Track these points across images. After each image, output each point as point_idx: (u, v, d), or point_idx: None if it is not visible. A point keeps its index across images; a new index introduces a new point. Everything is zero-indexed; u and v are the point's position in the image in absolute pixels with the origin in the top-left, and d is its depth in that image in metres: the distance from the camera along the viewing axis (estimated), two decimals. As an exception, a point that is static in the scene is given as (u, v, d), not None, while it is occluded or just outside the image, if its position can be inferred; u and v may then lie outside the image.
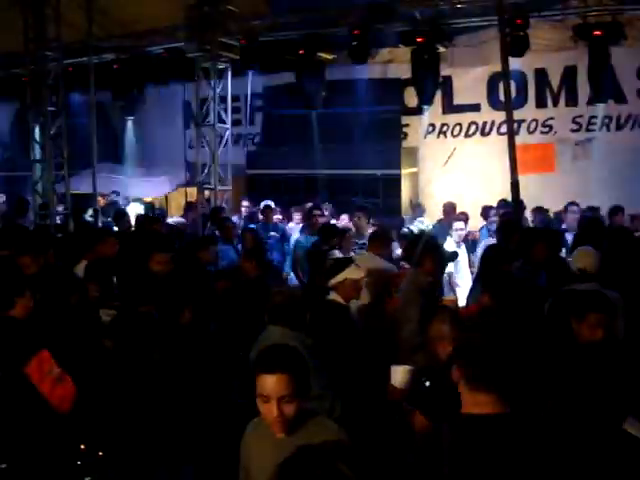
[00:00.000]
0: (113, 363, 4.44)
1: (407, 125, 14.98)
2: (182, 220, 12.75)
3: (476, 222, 11.96)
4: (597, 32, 10.18)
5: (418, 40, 11.31)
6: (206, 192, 13.66)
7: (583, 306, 4.44)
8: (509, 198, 11.56)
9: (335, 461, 2.31)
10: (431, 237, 7.94)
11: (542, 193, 12.50)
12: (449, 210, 11.78)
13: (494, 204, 12.13)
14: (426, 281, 6.29)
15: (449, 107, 14.63)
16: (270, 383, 3.15)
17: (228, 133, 13.76)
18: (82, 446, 4.02)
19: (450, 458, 2.67)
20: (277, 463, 2.64)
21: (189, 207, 14.06)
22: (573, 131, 13.78)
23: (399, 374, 4.49)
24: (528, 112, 13.88)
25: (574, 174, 13.51)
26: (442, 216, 11.91)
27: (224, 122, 13.64)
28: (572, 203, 11.58)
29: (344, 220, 11.40)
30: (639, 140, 13.17)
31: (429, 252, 6.47)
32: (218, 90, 13.40)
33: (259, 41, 12.30)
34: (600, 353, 3.95)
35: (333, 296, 5.70)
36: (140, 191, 15.95)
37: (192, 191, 14.63)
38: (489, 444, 2.62)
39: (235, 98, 14.40)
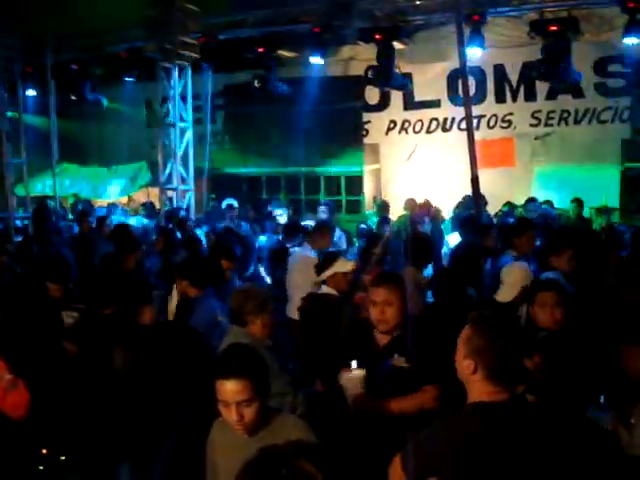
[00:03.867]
0: (77, 366, 4.40)
1: (369, 122, 15.04)
2: (145, 220, 12.66)
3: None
4: (553, 27, 10.32)
5: (377, 37, 11.36)
6: (168, 192, 13.58)
7: (532, 289, 4.61)
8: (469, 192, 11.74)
9: (299, 459, 2.33)
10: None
11: (502, 187, 12.64)
12: (411, 206, 11.83)
13: (456, 199, 12.25)
14: (423, 279, 6.41)
15: (410, 104, 14.72)
16: (228, 388, 3.16)
17: (189, 132, 13.68)
18: (44, 451, 3.98)
19: (478, 444, 2.79)
20: (242, 463, 2.71)
21: (150, 207, 13.98)
22: (532, 126, 13.95)
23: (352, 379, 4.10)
24: (488, 108, 14.03)
25: (533, 168, 13.70)
26: (404, 212, 11.96)
27: (185, 121, 13.56)
28: (531, 199, 11.76)
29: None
30: (597, 134, 13.38)
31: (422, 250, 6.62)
32: (179, 89, 13.31)
33: (219, 39, 12.25)
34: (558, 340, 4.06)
35: (325, 289, 5.89)
36: (103, 192, 15.80)
37: (154, 191, 14.54)
38: (508, 428, 2.82)
39: (196, 97, 14.32)
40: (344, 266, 5.95)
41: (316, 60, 11.92)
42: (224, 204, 12.79)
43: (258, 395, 3.20)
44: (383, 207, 12.05)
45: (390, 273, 5.22)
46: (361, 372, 4.00)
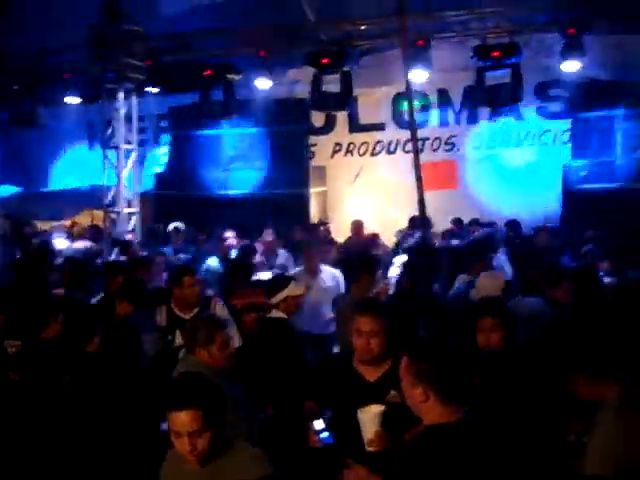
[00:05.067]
0: (20, 395, 4.30)
1: (314, 144, 15.10)
2: (88, 244, 12.42)
3: (384, 238, 12.13)
4: (495, 53, 10.54)
5: (323, 61, 11.44)
6: (112, 215, 13.39)
7: (476, 312, 4.62)
8: (415, 214, 11.86)
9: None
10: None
11: (446, 209, 12.80)
12: (357, 228, 11.88)
13: (402, 221, 12.36)
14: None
15: (355, 126, 14.85)
16: (179, 419, 3.13)
17: (134, 154, 13.54)
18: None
19: (437, 465, 2.82)
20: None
21: (95, 230, 13.73)
22: (475, 148, 14.22)
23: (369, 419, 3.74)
24: (431, 131, 14.25)
25: (476, 190, 13.92)
26: (351, 234, 12.00)
27: (130, 143, 13.42)
28: (473, 221, 11.96)
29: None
30: (538, 157, 13.71)
31: (366, 269, 6.70)
32: (123, 111, 13.17)
33: (164, 62, 12.18)
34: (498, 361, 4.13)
35: (276, 313, 5.86)
36: (45, 213, 15.50)
37: (98, 214, 14.32)
38: (465, 447, 2.85)
39: (140, 119, 14.20)
40: (297, 290, 5.96)
41: (262, 83, 11.93)
42: (170, 227, 12.65)
43: (211, 425, 3.17)
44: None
45: (375, 300, 5.14)
46: (379, 407, 3.75)
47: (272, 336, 5.55)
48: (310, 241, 10.38)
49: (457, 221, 12.08)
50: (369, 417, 3.71)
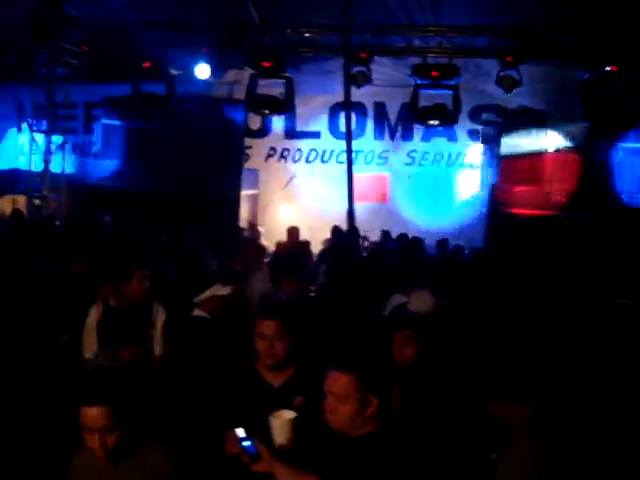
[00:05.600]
0: None
1: (249, 147, 15.05)
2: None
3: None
4: (434, 72, 10.73)
5: (264, 64, 11.43)
6: (36, 201, 13.04)
7: (390, 328, 4.67)
8: (344, 225, 11.95)
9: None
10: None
11: (374, 222, 12.91)
12: (293, 234, 11.88)
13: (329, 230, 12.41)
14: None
15: (291, 132, 14.88)
16: (89, 416, 3.11)
17: (62, 141, 13.22)
18: None
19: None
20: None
21: (15, 215, 13.33)
22: (407, 165, 14.42)
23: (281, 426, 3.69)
24: (366, 143, 14.37)
25: (404, 205, 14.12)
26: (285, 239, 11.99)
27: (60, 130, 13.09)
28: (401, 235, 12.12)
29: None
30: (467, 178, 14.01)
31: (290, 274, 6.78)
32: (56, 96, 12.85)
33: (102, 49, 11.93)
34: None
35: (198, 312, 5.80)
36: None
37: (21, 199, 13.90)
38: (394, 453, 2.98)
39: (73, 105, 13.87)
40: (222, 290, 5.91)
41: (202, 71, 11.75)
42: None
43: (121, 423, 3.14)
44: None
45: (280, 304, 5.11)
46: (291, 414, 3.69)
47: (193, 335, 5.49)
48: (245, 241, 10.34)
49: (385, 233, 12.17)
50: (281, 423, 3.65)
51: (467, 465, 3.69)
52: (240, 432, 3.52)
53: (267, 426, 3.65)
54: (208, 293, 5.84)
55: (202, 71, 11.66)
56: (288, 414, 3.66)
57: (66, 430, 3.57)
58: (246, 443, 3.42)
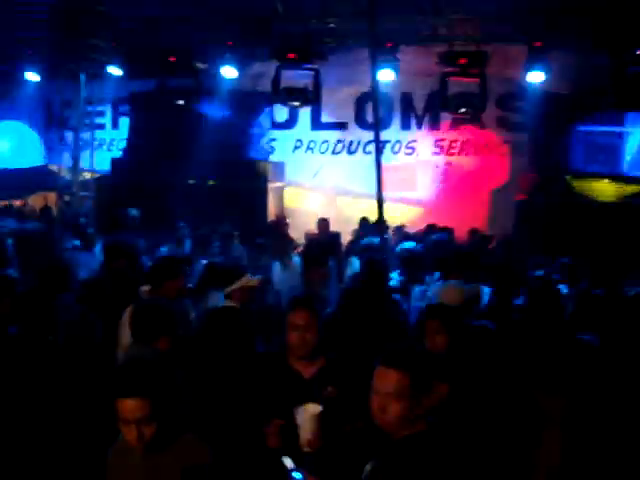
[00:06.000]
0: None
1: (275, 139, 15.05)
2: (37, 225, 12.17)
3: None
4: (462, 60, 10.63)
5: (290, 56, 11.40)
6: (66, 197, 13.17)
7: (421, 317, 4.70)
8: (372, 217, 11.89)
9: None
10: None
11: (403, 212, 12.86)
12: (323, 226, 11.86)
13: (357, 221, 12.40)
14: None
15: (317, 124, 14.85)
16: (126, 407, 3.13)
17: (91, 137, 13.33)
18: None
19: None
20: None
21: (46, 211, 13.48)
22: (434, 154, 14.32)
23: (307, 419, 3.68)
24: (393, 133, 14.29)
25: (433, 195, 14.03)
26: (312, 230, 11.97)
27: (88, 125, 13.20)
28: (430, 226, 12.03)
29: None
30: (495, 165, 13.86)
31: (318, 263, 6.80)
32: (83, 92, 12.96)
33: (129, 45, 11.99)
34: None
35: (227, 302, 5.83)
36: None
37: (51, 195, 14.04)
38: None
39: (100, 101, 13.97)
40: (251, 281, 5.99)
41: (229, 72, 11.77)
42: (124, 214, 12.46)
43: (158, 414, 3.16)
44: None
45: (309, 296, 5.12)
46: (317, 407, 3.68)
47: (221, 326, 5.50)
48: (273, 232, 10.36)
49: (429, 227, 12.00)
50: (307, 417, 3.65)
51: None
52: (288, 462, 3.50)
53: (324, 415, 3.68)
54: (238, 284, 5.90)
55: (228, 71, 11.64)
56: (314, 408, 3.66)
57: (104, 422, 3.62)
58: (296, 475, 3.40)
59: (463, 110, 11.81)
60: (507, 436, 3.53)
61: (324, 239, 10.82)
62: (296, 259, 8.46)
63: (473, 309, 5.81)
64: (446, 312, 4.70)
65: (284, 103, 13.12)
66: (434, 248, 9.46)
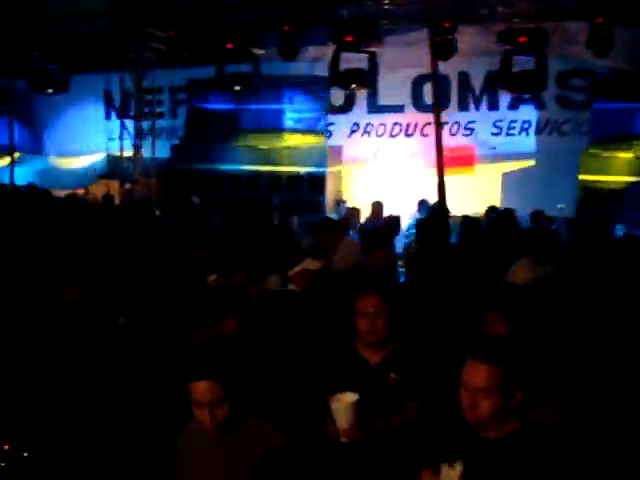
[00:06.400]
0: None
1: (332, 124, 15.03)
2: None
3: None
4: (522, 38, 10.45)
5: (347, 39, 11.36)
6: (127, 185, 13.40)
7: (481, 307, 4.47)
8: (431, 199, 11.83)
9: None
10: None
11: (463, 194, 12.75)
12: (378, 209, 11.83)
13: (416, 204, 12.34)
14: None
15: (373, 107, 14.76)
16: (199, 390, 3.19)
17: (151, 126, 13.51)
18: (5, 447, 3.89)
19: None
20: (217, 461, 2.87)
21: (108, 199, 13.74)
22: (494, 134, 14.13)
23: (343, 409, 3.58)
24: (451, 115, 14.12)
25: (494, 177, 13.85)
26: (370, 215, 11.97)
27: (147, 114, 13.38)
28: (492, 208, 11.87)
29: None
30: (557, 145, 13.62)
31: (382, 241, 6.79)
32: (143, 82, 13.13)
33: (186, 33, 12.08)
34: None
35: (291, 286, 5.82)
36: (60, 182, 15.50)
37: (113, 184, 14.30)
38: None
39: (159, 90, 14.14)
40: (313, 264, 5.92)
41: (286, 56, 11.75)
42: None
43: (230, 396, 3.21)
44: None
45: (380, 281, 5.04)
46: (353, 396, 3.58)
47: (286, 309, 5.53)
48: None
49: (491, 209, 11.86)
50: (342, 407, 3.56)
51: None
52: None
53: (362, 401, 3.59)
54: (299, 268, 5.87)
55: (287, 52, 11.61)
56: (349, 397, 3.57)
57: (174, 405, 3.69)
58: None
59: (524, 89, 11.58)
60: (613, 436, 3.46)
61: (379, 222, 10.78)
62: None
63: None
64: (504, 304, 4.40)
65: (341, 87, 13.09)
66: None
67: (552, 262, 6.18)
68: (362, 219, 11.39)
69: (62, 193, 14.74)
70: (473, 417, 2.83)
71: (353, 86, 12.53)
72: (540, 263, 6.03)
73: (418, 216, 11.35)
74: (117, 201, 13.51)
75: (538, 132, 13.82)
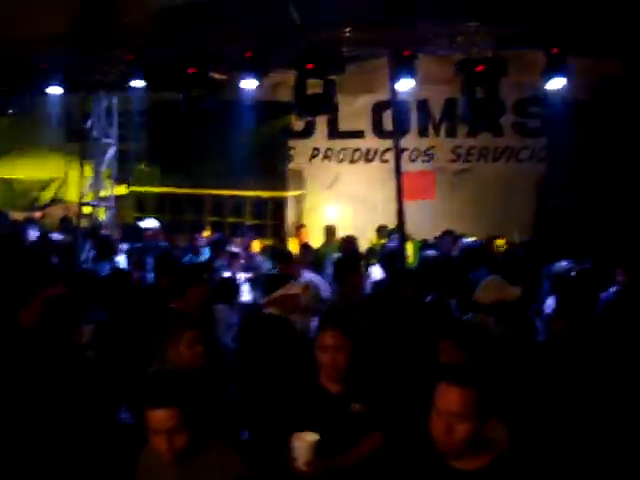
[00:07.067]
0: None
1: (293, 148, 15.09)
2: (60, 236, 12.29)
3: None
4: (480, 67, 10.61)
5: (308, 66, 11.42)
6: (88, 208, 13.27)
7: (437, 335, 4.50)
8: (390, 224, 11.92)
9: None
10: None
11: (421, 220, 12.86)
12: (330, 232, 11.96)
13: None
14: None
15: (334, 132, 14.87)
16: (157, 417, 3.17)
17: (113, 149, 13.43)
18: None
19: None
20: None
21: (66, 222, 13.58)
22: (452, 161, 14.32)
23: (304, 448, 3.66)
24: (410, 141, 14.29)
25: (452, 202, 14.01)
26: (325, 238, 12.05)
27: (109, 137, 13.31)
28: (447, 232, 12.02)
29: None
30: (513, 172, 13.85)
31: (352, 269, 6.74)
32: (104, 104, 13.06)
33: (148, 56, 12.05)
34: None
35: (270, 310, 5.87)
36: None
37: (72, 207, 14.16)
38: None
39: (121, 113, 14.08)
40: (294, 288, 6.04)
41: (248, 84, 11.80)
42: (145, 224, 12.56)
43: (188, 424, 3.19)
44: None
45: (340, 314, 5.04)
46: (314, 436, 3.65)
47: (265, 334, 5.53)
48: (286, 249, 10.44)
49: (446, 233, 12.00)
50: (303, 446, 3.63)
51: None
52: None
53: (323, 433, 3.65)
54: (282, 291, 5.94)
55: (248, 83, 11.66)
56: (310, 437, 3.64)
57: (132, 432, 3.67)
58: None
59: (481, 117, 11.74)
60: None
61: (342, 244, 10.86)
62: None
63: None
64: (457, 332, 4.51)
65: (302, 112, 13.15)
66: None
67: (520, 283, 6.29)
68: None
69: (19, 215, 14.59)
70: (447, 443, 2.79)
71: (313, 112, 12.56)
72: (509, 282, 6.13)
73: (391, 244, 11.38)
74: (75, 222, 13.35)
75: (495, 159, 14.04)
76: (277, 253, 9.25)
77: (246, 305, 7.74)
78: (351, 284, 6.59)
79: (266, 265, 10.18)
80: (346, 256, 8.96)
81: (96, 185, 13.18)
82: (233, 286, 7.47)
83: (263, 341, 5.31)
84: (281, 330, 5.43)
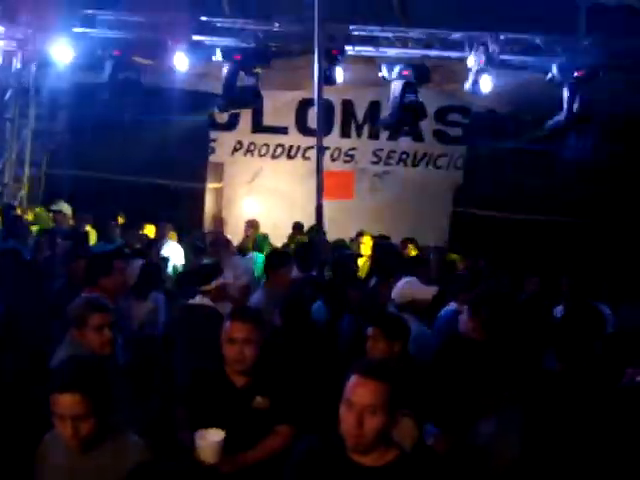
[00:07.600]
0: None
1: (215, 140, 14.96)
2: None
3: (276, 241, 12.19)
4: (405, 72, 10.77)
5: (235, 57, 11.36)
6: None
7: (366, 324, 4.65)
8: (308, 222, 11.97)
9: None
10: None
11: (339, 219, 12.95)
12: (252, 227, 11.93)
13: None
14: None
15: (258, 127, 14.83)
16: (63, 403, 3.08)
17: (28, 128, 13.03)
18: None
19: None
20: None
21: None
22: (373, 163, 14.49)
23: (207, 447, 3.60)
24: (333, 140, 14.38)
25: (370, 203, 14.18)
26: (244, 232, 11.99)
27: (25, 116, 12.90)
28: (360, 233, 12.15)
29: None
30: (431, 177, 14.11)
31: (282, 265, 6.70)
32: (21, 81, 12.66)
33: (73, 34, 11.69)
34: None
35: (201, 300, 5.84)
36: None
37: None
38: None
39: (38, 92, 13.65)
40: (227, 279, 6.04)
41: (180, 64, 11.57)
42: (56, 207, 12.24)
43: (95, 411, 3.13)
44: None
45: (250, 308, 4.99)
46: (219, 435, 3.59)
47: (197, 323, 5.50)
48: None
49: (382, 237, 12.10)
50: (207, 445, 3.60)
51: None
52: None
53: (227, 427, 3.63)
54: (218, 281, 5.94)
55: (180, 62, 11.44)
56: (214, 435, 3.60)
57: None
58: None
59: (403, 122, 11.90)
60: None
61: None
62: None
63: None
64: (384, 320, 4.65)
65: (226, 104, 13.04)
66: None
67: (437, 283, 6.42)
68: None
69: None
70: (357, 436, 2.78)
71: (238, 105, 12.49)
72: (425, 283, 6.27)
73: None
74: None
75: (415, 164, 14.28)
76: (214, 240, 9.22)
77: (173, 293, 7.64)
78: (279, 278, 6.58)
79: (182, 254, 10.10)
80: (276, 250, 9.00)
81: (8, 165, 12.76)
82: (156, 271, 7.33)
83: (187, 330, 5.29)
84: (206, 320, 5.42)
